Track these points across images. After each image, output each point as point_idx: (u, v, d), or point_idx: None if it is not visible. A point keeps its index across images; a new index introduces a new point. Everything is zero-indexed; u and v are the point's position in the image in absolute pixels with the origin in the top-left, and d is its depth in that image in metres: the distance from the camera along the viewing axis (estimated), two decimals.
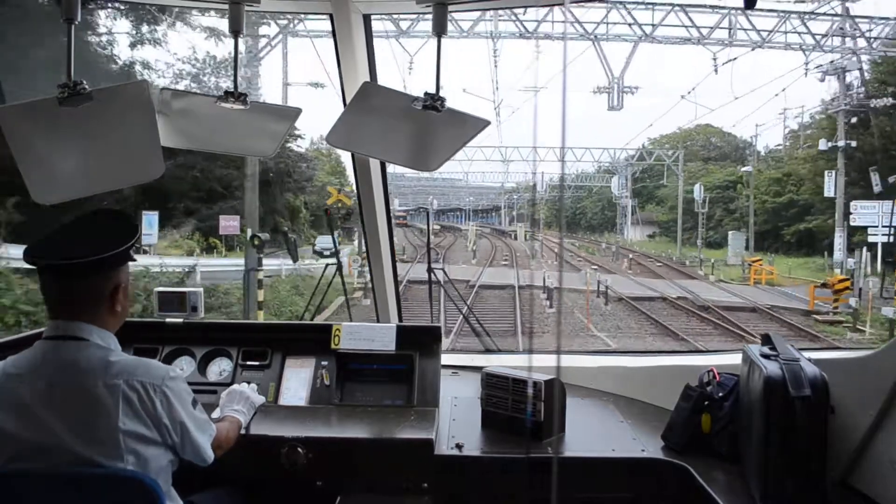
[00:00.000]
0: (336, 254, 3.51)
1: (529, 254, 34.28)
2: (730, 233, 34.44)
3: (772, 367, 1.86)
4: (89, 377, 1.52)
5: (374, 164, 2.73)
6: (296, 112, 2.48)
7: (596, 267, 26.73)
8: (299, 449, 2.05)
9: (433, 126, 2.25)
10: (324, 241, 27.21)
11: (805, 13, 20.36)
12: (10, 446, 1.49)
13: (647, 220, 49.29)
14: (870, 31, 21.31)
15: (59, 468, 1.48)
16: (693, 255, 33.98)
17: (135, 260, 1.71)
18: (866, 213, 20.69)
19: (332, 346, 2.55)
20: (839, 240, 22.84)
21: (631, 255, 31.50)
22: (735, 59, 20.16)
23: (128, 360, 1.59)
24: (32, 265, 1.58)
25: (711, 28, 20.07)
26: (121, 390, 1.51)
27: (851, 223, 21.46)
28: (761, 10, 19.29)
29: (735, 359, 2.24)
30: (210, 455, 1.71)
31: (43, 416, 1.48)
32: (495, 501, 2.20)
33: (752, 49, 20.37)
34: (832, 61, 22.47)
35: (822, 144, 26.31)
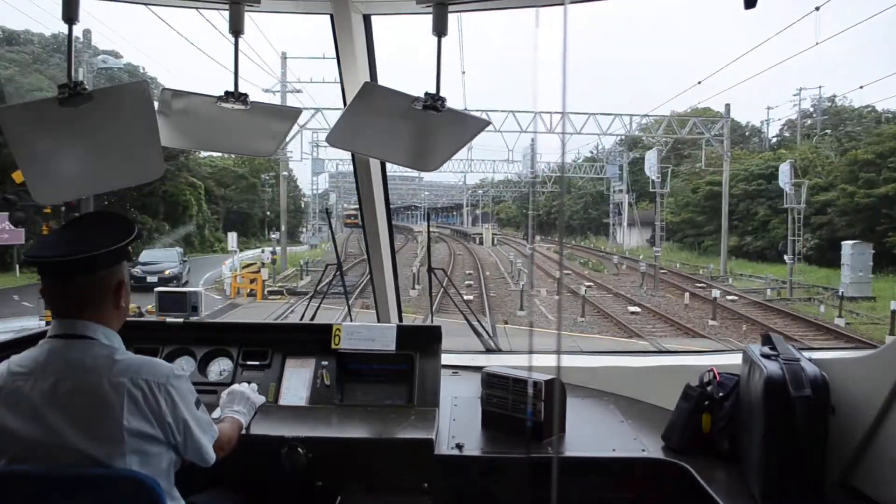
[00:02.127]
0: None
1: (506, 271, 24.09)
2: (846, 244, 20.67)
3: (772, 367, 1.86)
4: (94, 376, 1.53)
5: (375, 164, 2.74)
6: (296, 112, 2.49)
7: (637, 309, 16.80)
8: (299, 449, 2.05)
9: (433, 126, 2.26)
10: (159, 259, 18.74)
11: None
12: (14, 445, 1.49)
13: (648, 219, 38.28)
14: None
15: (61, 468, 1.48)
16: (746, 273, 24.90)
17: (132, 260, 1.73)
18: None
19: (333, 346, 2.55)
20: None
21: (719, 293, 18.02)
22: None
23: (133, 359, 1.60)
24: (37, 265, 1.58)
25: None
26: (126, 388, 1.52)
27: None
28: None
29: (735, 359, 2.24)
30: (212, 456, 1.72)
31: (48, 415, 1.49)
32: (495, 501, 2.20)
33: None
34: None
35: None
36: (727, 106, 28.58)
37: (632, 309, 16.76)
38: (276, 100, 25.04)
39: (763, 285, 22.56)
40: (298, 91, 27.42)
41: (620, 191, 38.53)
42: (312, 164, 33.98)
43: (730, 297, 18.99)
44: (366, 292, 14.73)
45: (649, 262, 24.63)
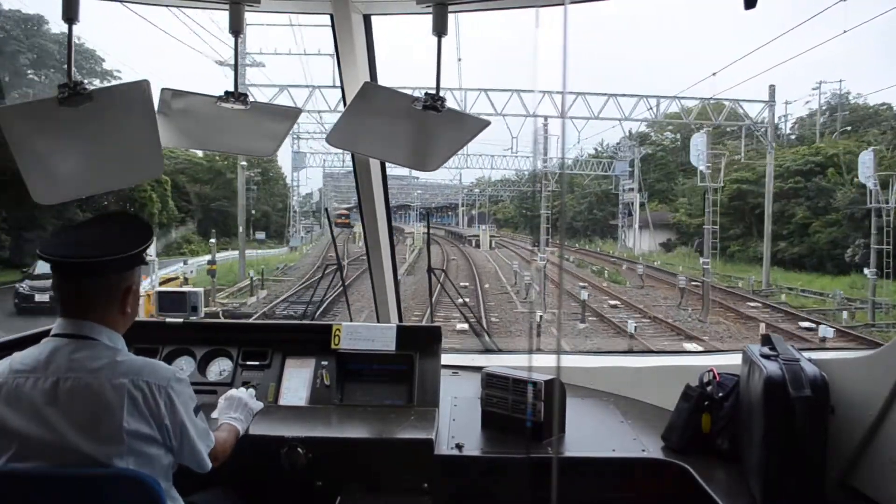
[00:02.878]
0: None
1: (508, 283, 20.69)
2: None
3: (772, 368, 1.86)
4: (96, 376, 1.53)
5: (374, 164, 2.74)
6: (296, 112, 2.50)
7: (695, 347, 11.41)
8: (299, 449, 2.05)
9: (433, 126, 2.26)
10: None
11: None
12: (15, 443, 1.49)
13: (661, 221, 34.96)
14: None
15: (61, 467, 1.48)
16: (796, 286, 20.76)
17: (147, 263, 1.72)
18: None
19: (333, 346, 2.55)
20: None
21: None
22: None
23: (134, 361, 1.60)
24: (47, 262, 1.58)
25: None
26: (126, 390, 1.52)
27: None
28: None
29: (735, 359, 2.24)
30: (207, 464, 1.72)
31: (48, 414, 1.49)
32: (495, 502, 2.19)
33: None
34: None
35: None
36: (771, 87, 23.98)
37: (688, 347, 11.82)
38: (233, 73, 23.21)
39: (821, 302, 18.87)
40: (260, 65, 23.64)
41: (631, 189, 34.63)
42: (293, 158, 32.40)
43: (802, 324, 14.34)
44: (335, 307, 13.19)
45: (691, 278, 19.36)
